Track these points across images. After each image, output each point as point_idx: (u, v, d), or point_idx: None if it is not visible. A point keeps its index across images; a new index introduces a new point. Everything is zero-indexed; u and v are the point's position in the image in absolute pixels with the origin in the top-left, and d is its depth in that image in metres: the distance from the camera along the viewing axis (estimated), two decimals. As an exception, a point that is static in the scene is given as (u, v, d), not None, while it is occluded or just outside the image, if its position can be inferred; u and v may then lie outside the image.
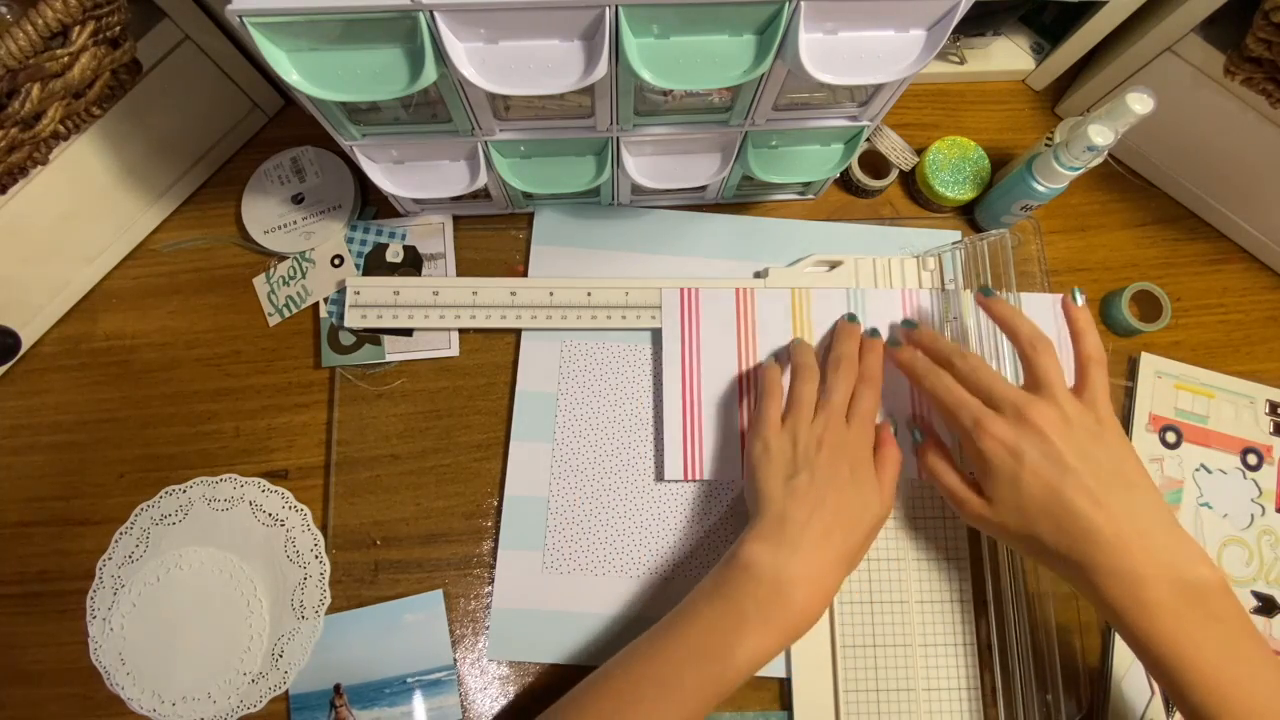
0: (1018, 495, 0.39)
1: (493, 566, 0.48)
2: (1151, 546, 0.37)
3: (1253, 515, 0.51)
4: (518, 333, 0.52)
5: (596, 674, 0.40)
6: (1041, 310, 0.52)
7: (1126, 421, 0.52)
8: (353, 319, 0.50)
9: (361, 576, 0.48)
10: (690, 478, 0.48)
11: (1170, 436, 0.52)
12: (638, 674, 0.39)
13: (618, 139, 0.44)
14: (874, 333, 0.49)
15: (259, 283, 0.53)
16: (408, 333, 0.51)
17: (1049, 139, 0.54)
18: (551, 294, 0.51)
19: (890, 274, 0.53)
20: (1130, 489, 0.38)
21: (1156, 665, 0.36)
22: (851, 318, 0.50)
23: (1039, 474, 0.39)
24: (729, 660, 0.38)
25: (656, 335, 0.51)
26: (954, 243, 0.54)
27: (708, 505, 0.49)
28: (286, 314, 0.52)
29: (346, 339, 0.51)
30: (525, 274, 0.53)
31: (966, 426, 0.41)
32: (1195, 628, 0.35)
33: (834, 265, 0.53)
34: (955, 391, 0.43)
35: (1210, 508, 0.51)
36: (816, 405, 0.45)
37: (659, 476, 0.49)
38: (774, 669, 0.47)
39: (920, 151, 0.56)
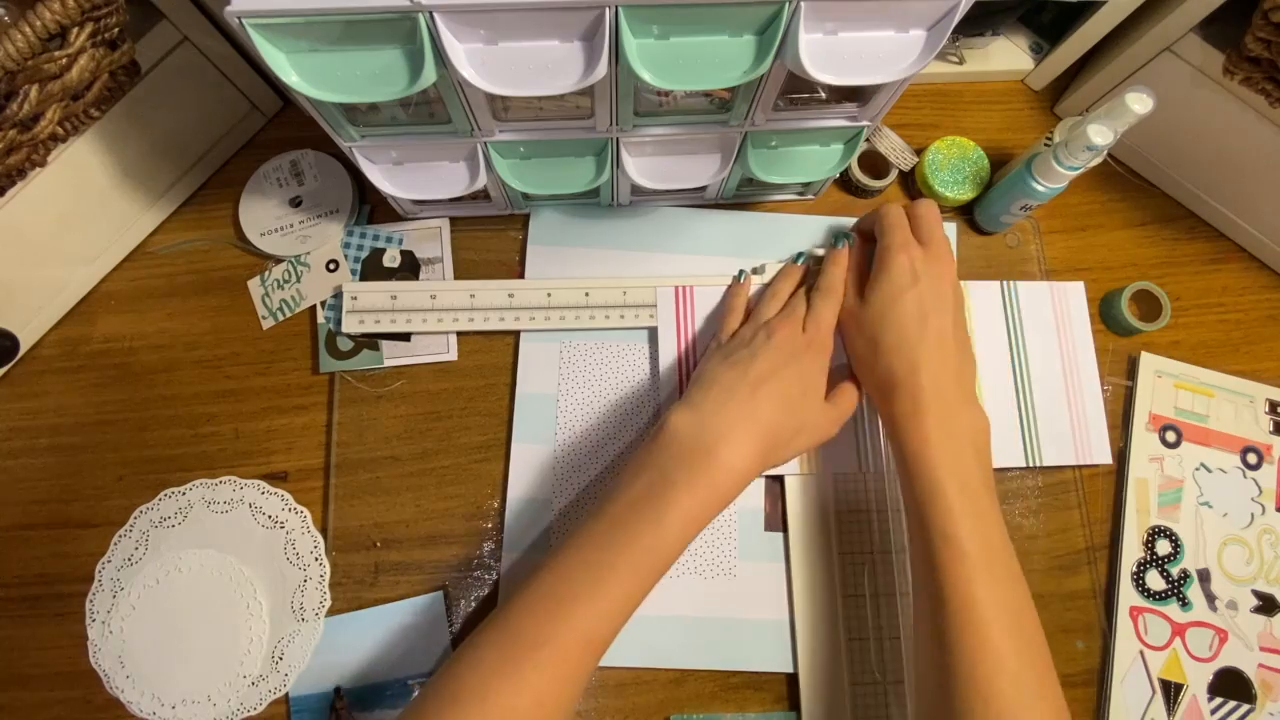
0: (892, 304, 0.43)
1: (493, 568, 0.48)
2: (949, 400, 0.41)
3: (1253, 514, 0.51)
4: (516, 334, 0.52)
5: (529, 575, 0.39)
6: (1039, 299, 0.52)
7: (1126, 421, 0.52)
8: (350, 324, 0.50)
9: (362, 578, 0.48)
10: None
11: (1170, 436, 0.52)
12: (568, 564, 0.38)
13: (617, 139, 0.44)
14: (837, 242, 0.49)
15: (254, 285, 0.53)
16: (406, 338, 0.51)
17: (1048, 139, 0.54)
18: (549, 295, 0.51)
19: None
20: (963, 361, 0.43)
21: (902, 462, 0.42)
22: (798, 256, 0.52)
23: (922, 299, 0.43)
24: (659, 529, 0.37)
25: (654, 334, 0.51)
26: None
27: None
28: (280, 317, 0.52)
29: (344, 344, 0.51)
30: (522, 275, 0.53)
31: (891, 241, 0.45)
32: (945, 452, 0.40)
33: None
34: (900, 218, 0.46)
35: (1210, 507, 0.51)
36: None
37: None
38: (780, 664, 0.47)
39: (920, 151, 0.56)
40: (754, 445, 0.40)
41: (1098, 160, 0.49)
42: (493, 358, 0.52)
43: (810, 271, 0.50)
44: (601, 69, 0.33)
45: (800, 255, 0.51)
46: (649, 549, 0.37)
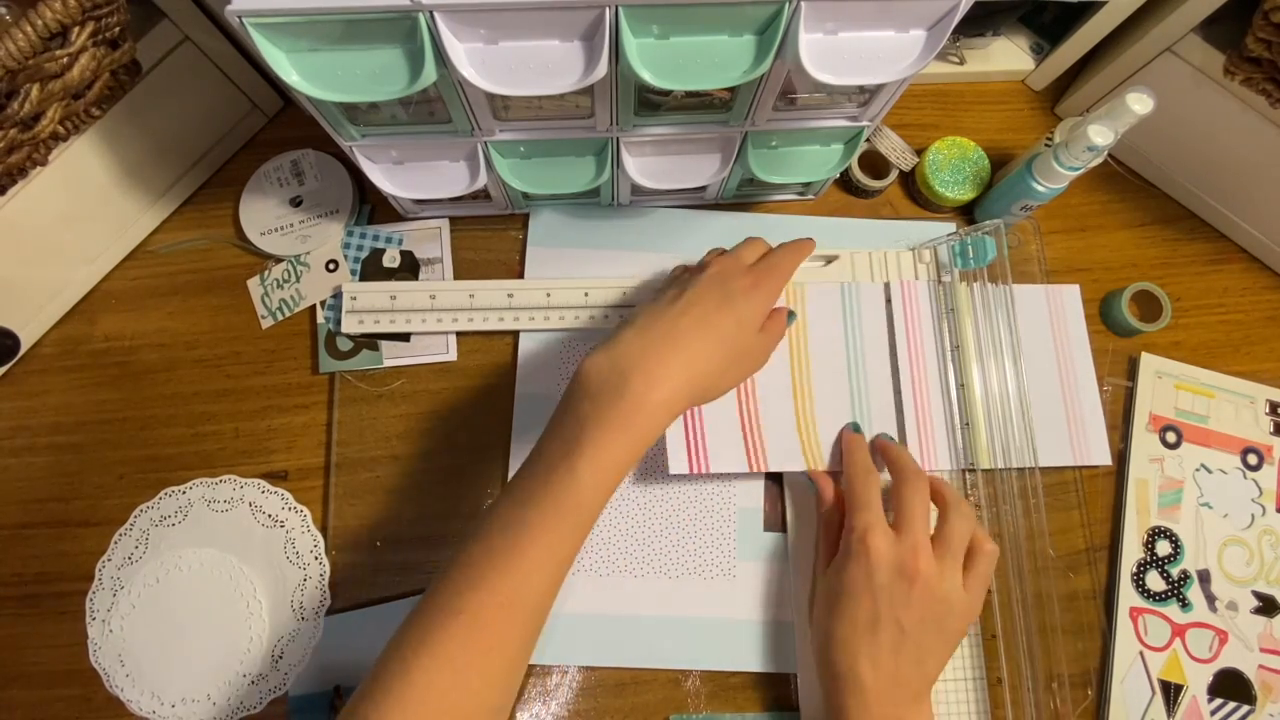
0: (846, 592, 0.41)
1: (493, 567, 0.48)
2: (894, 702, 0.39)
3: (1253, 515, 0.51)
4: (516, 334, 0.52)
5: (458, 548, 0.37)
6: (1035, 302, 0.52)
7: (1126, 422, 0.52)
8: (349, 324, 0.50)
9: (362, 578, 0.48)
10: (695, 472, 0.48)
11: (1170, 436, 0.52)
12: (488, 529, 0.36)
13: (618, 139, 0.44)
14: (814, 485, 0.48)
15: (253, 284, 0.53)
16: (405, 338, 0.51)
17: (1049, 139, 0.54)
18: (549, 295, 0.51)
19: (886, 267, 0.53)
20: (922, 659, 0.40)
21: None
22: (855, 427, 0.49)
23: (876, 598, 0.40)
24: (573, 478, 0.35)
25: None
26: (949, 234, 0.54)
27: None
28: (280, 317, 0.52)
29: (344, 344, 0.51)
30: (522, 275, 0.53)
31: (858, 523, 0.42)
32: None
33: (830, 259, 0.53)
34: (869, 488, 0.43)
35: (1210, 508, 0.51)
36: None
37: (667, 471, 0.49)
38: (779, 665, 0.47)
39: (920, 152, 0.56)
40: (676, 378, 0.37)
41: (1098, 161, 0.49)
42: (493, 358, 0.52)
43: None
44: (601, 69, 0.33)
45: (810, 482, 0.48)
46: (563, 502, 0.35)
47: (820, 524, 0.46)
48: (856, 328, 0.51)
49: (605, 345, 0.39)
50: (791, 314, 0.48)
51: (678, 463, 0.48)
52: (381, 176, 0.45)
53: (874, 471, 0.45)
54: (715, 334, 0.39)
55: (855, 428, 0.49)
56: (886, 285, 0.52)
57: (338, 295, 0.51)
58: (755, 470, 0.47)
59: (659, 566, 0.48)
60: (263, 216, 0.53)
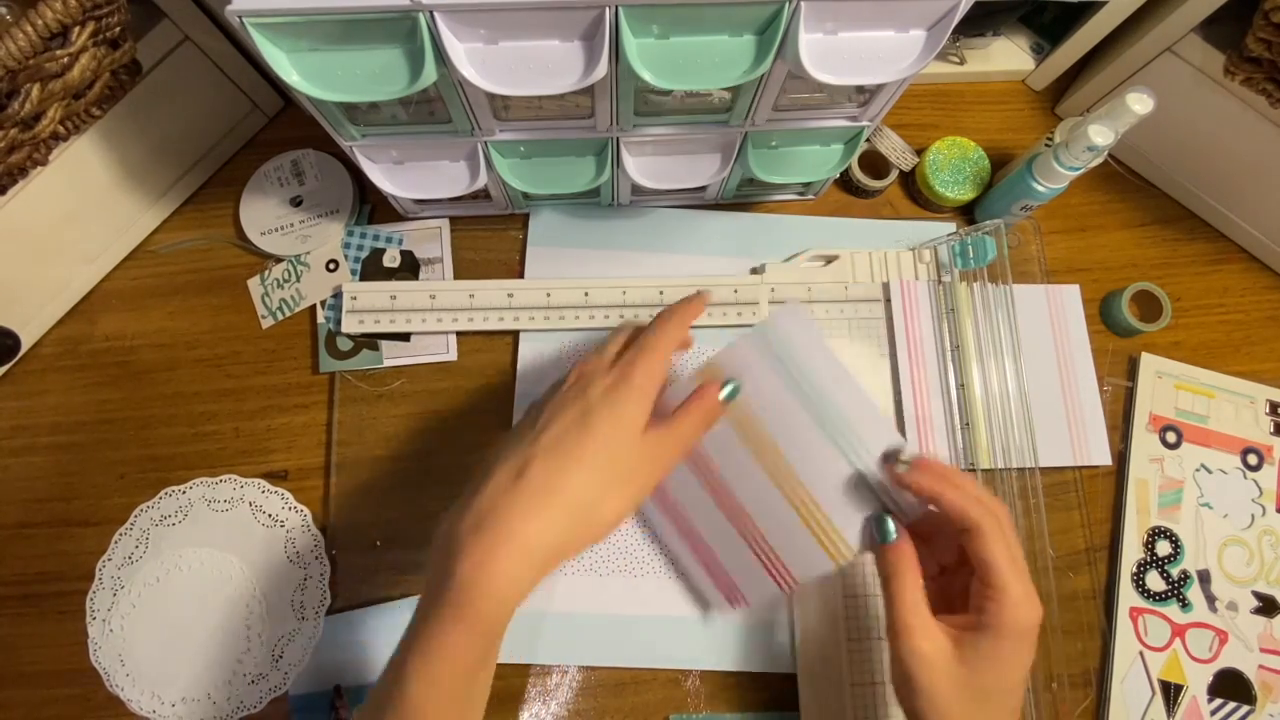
0: (1010, 668, 0.32)
1: (493, 567, 0.48)
2: None
3: (1253, 515, 0.51)
4: (516, 334, 0.52)
5: None
6: (1035, 302, 0.52)
7: (1126, 422, 0.52)
8: (349, 324, 0.50)
9: (362, 577, 0.48)
10: (741, 606, 0.46)
11: (1170, 436, 0.52)
12: None
13: (618, 139, 0.44)
14: (884, 533, 0.36)
15: (253, 284, 0.53)
16: (405, 338, 0.51)
17: (1049, 139, 0.54)
18: (549, 295, 0.51)
19: (886, 267, 0.53)
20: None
21: None
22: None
23: (1024, 662, 0.32)
24: (401, 696, 0.29)
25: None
26: (949, 234, 0.54)
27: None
28: (280, 317, 0.52)
29: (344, 344, 0.51)
30: (522, 275, 0.53)
31: (1017, 597, 0.32)
32: None
33: (830, 260, 0.53)
34: (1014, 544, 0.33)
35: (1210, 508, 0.51)
36: None
37: None
38: (779, 665, 0.47)
39: (920, 152, 0.56)
40: (520, 541, 0.30)
41: (1098, 161, 0.49)
42: (493, 358, 0.52)
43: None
44: (601, 69, 0.33)
45: (884, 528, 0.37)
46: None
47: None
48: (791, 360, 0.39)
49: (460, 499, 0.33)
50: (732, 388, 0.38)
51: (722, 607, 0.46)
52: (381, 176, 0.45)
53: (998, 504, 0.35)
54: (576, 459, 0.32)
55: (880, 521, 0.37)
56: (886, 285, 0.52)
57: (338, 295, 0.51)
58: (791, 592, 0.43)
59: (659, 566, 0.48)
60: (263, 216, 0.53)
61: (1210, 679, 0.48)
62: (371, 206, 0.55)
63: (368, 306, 0.50)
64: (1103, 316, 0.55)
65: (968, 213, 0.57)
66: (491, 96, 0.37)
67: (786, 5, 0.32)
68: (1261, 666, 0.48)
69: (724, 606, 0.46)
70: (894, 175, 0.56)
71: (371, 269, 0.52)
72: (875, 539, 0.37)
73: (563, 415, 0.34)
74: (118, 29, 0.40)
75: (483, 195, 0.52)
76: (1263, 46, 0.44)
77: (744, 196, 0.56)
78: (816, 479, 0.39)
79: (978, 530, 0.33)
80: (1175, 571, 0.50)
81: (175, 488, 0.49)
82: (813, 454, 0.39)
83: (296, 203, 0.53)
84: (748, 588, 0.44)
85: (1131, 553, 0.50)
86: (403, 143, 0.43)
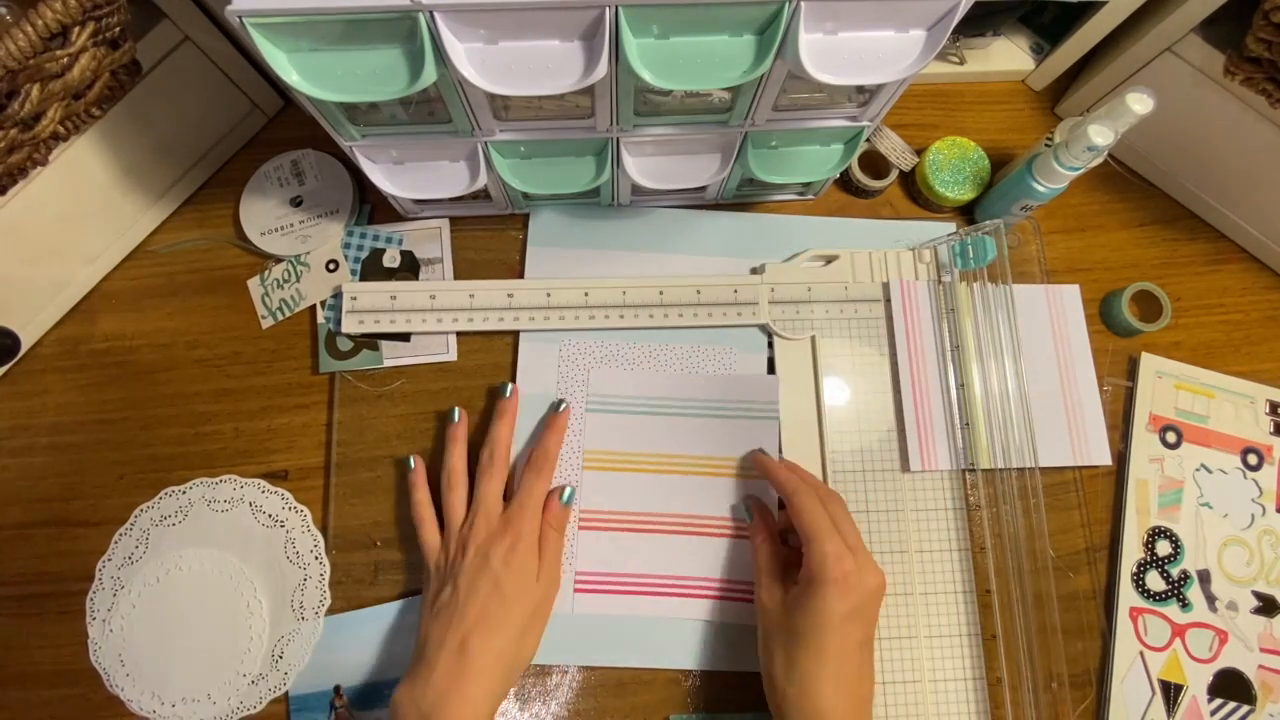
0: (816, 613, 0.38)
1: (493, 567, 0.48)
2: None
3: (1253, 515, 0.51)
4: (516, 334, 0.52)
5: None
6: (1035, 302, 0.52)
7: (1126, 422, 0.52)
8: (349, 324, 0.50)
9: (362, 577, 0.48)
10: None
11: (1170, 436, 0.52)
12: None
13: (618, 139, 0.44)
14: (556, 406, 0.49)
15: (253, 284, 0.53)
16: (405, 338, 0.51)
17: (1049, 139, 0.54)
18: (549, 295, 0.51)
19: (886, 267, 0.53)
20: (860, 681, 0.39)
21: None
22: (556, 405, 0.49)
23: (849, 619, 0.38)
24: None
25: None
26: (949, 234, 0.54)
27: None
28: (280, 317, 0.52)
29: (344, 344, 0.51)
30: (522, 275, 0.53)
31: (824, 544, 0.40)
32: None
33: (830, 260, 0.53)
34: (817, 505, 0.42)
35: (1210, 508, 0.51)
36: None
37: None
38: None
39: (920, 152, 0.56)
40: (481, 693, 0.39)
41: (1098, 161, 0.48)
42: (493, 358, 0.52)
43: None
44: (601, 69, 0.33)
45: (747, 509, 0.47)
46: None
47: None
48: (615, 401, 0.50)
49: (410, 674, 0.40)
50: (569, 492, 0.47)
51: (731, 613, 0.48)
52: (381, 176, 0.45)
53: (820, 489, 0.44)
54: (501, 624, 0.40)
55: (745, 506, 0.47)
56: (886, 285, 0.52)
57: (338, 295, 0.51)
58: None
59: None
60: (263, 216, 0.53)
61: (1210, 679, 0.48)
62: (371, 206, 0.55)
63: (368, 307, 0.50)
64: (1103, 316, 0.55)
65: (968, 213, 0.57)
66: (491, 96, 0.37)
67: (786, 5, 0.32)
68: (1261, 666, 0.48)
69: (732, 613, 0.47)
70: (894, 175, 0.56)
71: (371, 269, 0.52)
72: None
73: (478, 588, 0.41)
74: (118, 29, 0.40)
75: (483, 195, 0.52)
76: (1263, 46, 0.44)
77: (744, 196, 0.56)
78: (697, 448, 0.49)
79: (791, 498, 0.42)
80: (1175, 571, 0.50)
81: (175, 488, 0.49)
82: (686, 437, 0.49)
83: (296, 203, 0.53)
84: (729, 570, 0.48)
85: (1131, 553, 0.50)
86: (403, 143, 0.43)
